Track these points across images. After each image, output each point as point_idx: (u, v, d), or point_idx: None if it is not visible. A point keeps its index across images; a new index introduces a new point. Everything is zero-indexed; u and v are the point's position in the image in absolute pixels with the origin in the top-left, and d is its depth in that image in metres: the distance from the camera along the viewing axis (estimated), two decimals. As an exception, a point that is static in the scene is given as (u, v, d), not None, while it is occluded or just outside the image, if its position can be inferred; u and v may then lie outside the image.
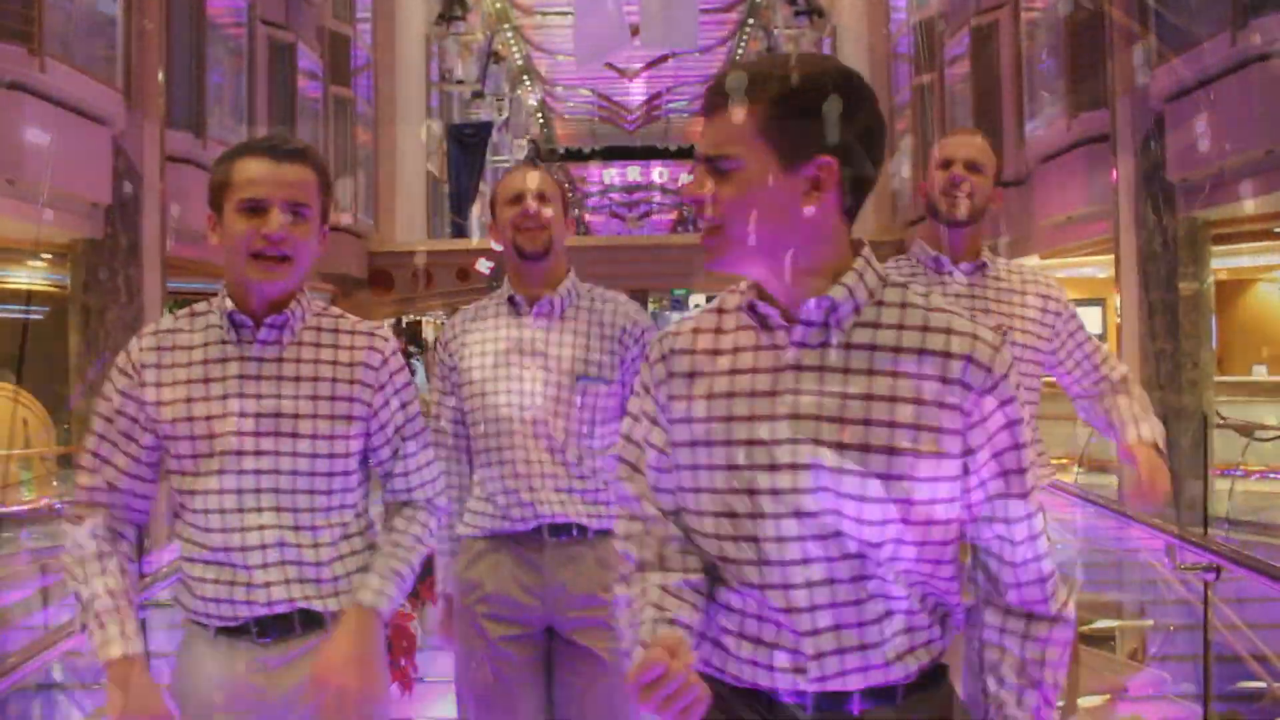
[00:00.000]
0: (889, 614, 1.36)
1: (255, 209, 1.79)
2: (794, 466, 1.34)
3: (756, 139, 1.34)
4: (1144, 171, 9.77)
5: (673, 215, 37.50)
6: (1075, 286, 17.30)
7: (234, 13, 12.29)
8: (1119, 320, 10.24)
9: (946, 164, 2.52)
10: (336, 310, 1.94)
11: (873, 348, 1.35)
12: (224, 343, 1.85)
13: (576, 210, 35.52)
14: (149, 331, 1.89)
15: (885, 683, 1.37)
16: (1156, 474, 2.45)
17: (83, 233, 9.41)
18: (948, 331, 1.35)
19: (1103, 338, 17.17)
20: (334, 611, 1.84)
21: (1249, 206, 8.71)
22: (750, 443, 1.36)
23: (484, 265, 17.71)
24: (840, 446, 1.32)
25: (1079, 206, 11.06)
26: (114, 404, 1.86)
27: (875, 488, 1.32)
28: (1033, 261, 14.54)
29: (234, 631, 1.83)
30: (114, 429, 1.86)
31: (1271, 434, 9.35)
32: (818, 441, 1.33)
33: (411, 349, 19.26)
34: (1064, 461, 12.88)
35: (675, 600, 1.39)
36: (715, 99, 1.37)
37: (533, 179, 2.49)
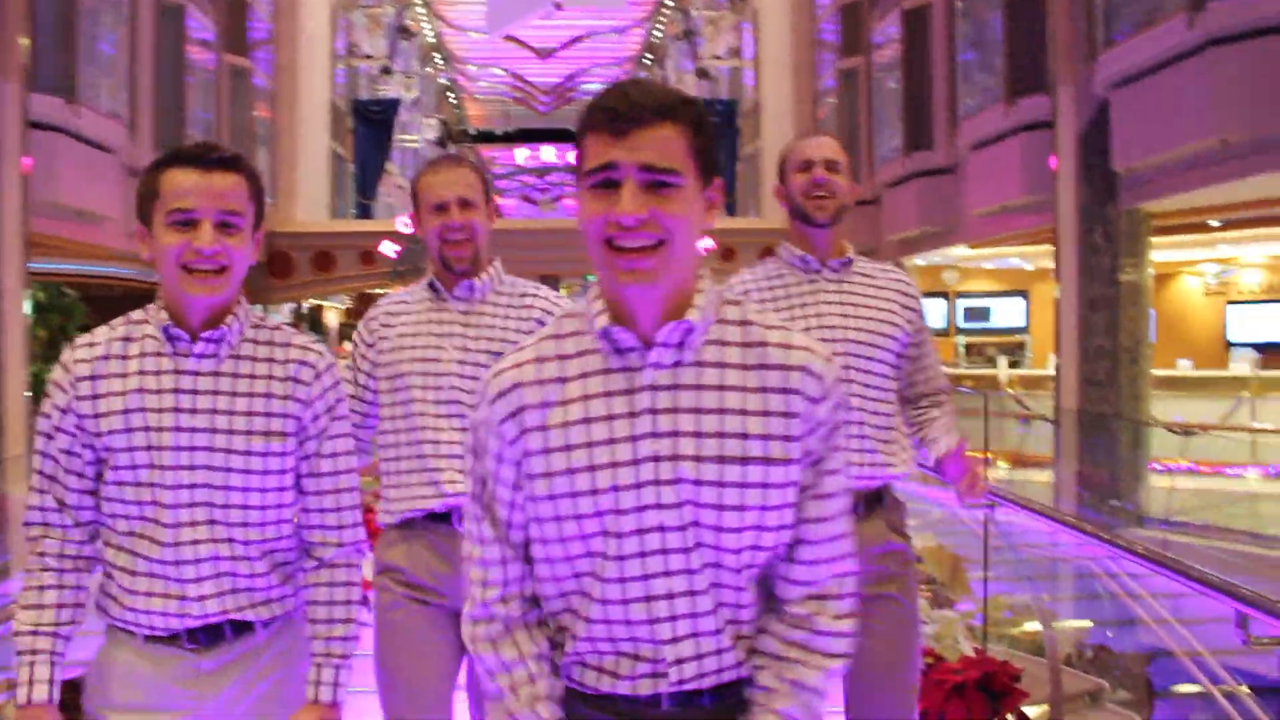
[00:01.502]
0: (739, 619, 1.44)
1: (186, 222, 1.76)
2: (657, 483, 1.39)
3: (689, 158, 1.40)
4: (1086, 160, 9.37)
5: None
6: (1000, 278, 17.07)
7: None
8: (1056, 314, 9.87)
9: (807, 166, 2.56)
10: (273, 322, 1.93)
11: (721, 364, 1.42)
12: (159, 354, 1.83)
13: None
14: (83, 343, 1.86)
15: (735, 678, 1.45)
16: (976, 474, 2.57)
17: (-70, 206, 8.35)
18: (785, 346, 1.44)
19: (1026, 330, 17.02)
20: (265, 619, 1.87)
21: (1199, 198, 8.33)
22: (614, 465, 1.40)
23: (388, 248, 16.89)
24: (699, 460, 1.39)
25: (1014, 196, 10.65)
26: (53, 420, 1.84)
27: (735, 496, 1.40)
28: (960, 251, 14.20)
29: (162, 640, 1.82)
30: (55, 446, 1.85)
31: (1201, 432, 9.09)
32: (678, 457, 1.39)
33: (313, 336, 18.29)
34: (989, 456, 12.69)
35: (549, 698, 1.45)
36: (652, 113, 1.37)
37: (456, 183, 2.49)
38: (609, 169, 1.37)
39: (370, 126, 21.45)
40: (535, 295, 2.60)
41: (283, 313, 18.79)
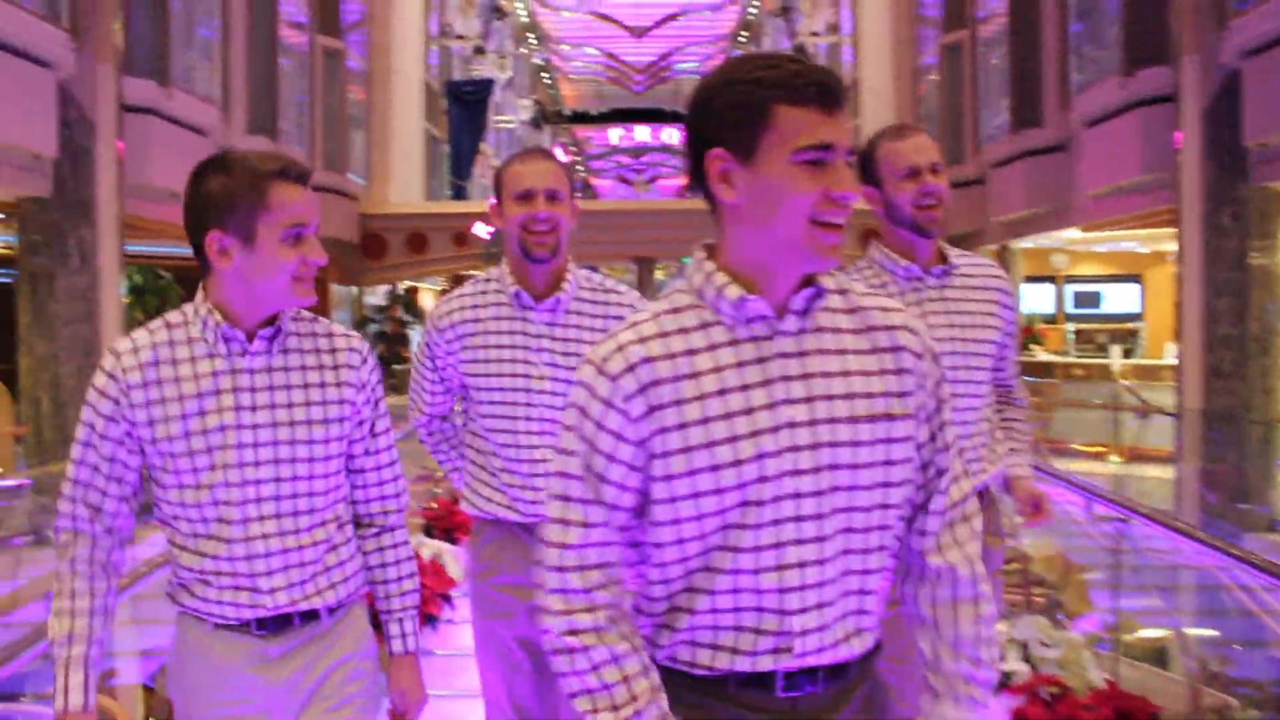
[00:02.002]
0: (864, 589, 1.45)
1: (300, 236, 1.84)
2: (795, 449, 1.40)
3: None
4: (1212, 136, 8.74)
5: (681, 180, 36.50)
6: (1112, 262, 16.29)
7: (205, -51, 11.19)
8: (1178, 300, 9.26)
9: (913, 173, 2.47)
10: (308, 314, 1.97)
11: (836, 330, 1.46)
12: (212, 356, 1.87)
13: (583, 179, 34.69)
14: (127, 350, 1.87)
15: (849, 657, 1.46)
16: (1043, 501, 2.64)
17: (26, 189, 8.39)
18: (883, 309, 1.50)
19: (1140, 317, 16.23)
20: (330, 605, 1.93)
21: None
22: (755, 434, 1.39)
23: (482, 229, 16.78)
24: (834, 422, 1.41)
25: (1131, 175, 10.02)
26: (97, 429, 1.86)
27: (867, 454, 1.42)
28: (1070, 234, 13.54)
29: (233, 627, 1.88)
30: (97, 453, 1.87)
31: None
32: (815, 422, 1.40)
33: (407, 318, 18.36)
34: (1101, 449, 12.07)
35: (648, 683, 1.41)
36: (838, 93, 1.39)
37: (544, 174, 2.48)
38: (825, 148, 1.38)
39: (464, 107, 21.41)
40: (617, 292, 2.60)
41: (378, 294, 18.86)
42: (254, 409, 1.86)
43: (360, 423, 1.98)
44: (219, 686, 1.89)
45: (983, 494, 2.56)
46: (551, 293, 2.52)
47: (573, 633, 1.41)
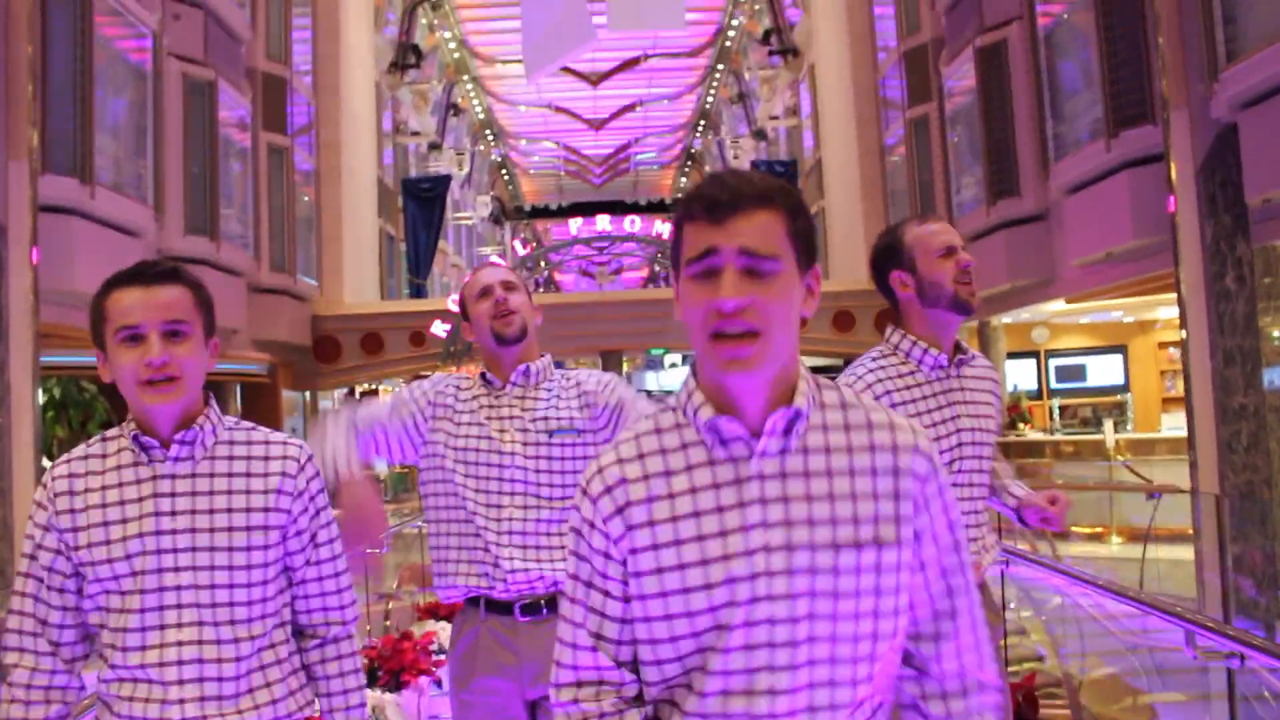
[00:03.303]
0: (872, 706, 1.41)
1: (134, 338, 1.82)
2: (770, 573, 1.37)
3: (787, 244, 1.39)
4: (1209, 194, 8.22)
5: (644, 272, 36.23)
6: (1094, 333, 15.77)
7: (135, 38, 10.57)
8: (1183, 370, 8.64)
9: (950, 251, 2.49)
10: (248, 424, 1.98)
11: (826, 449, 1.41)
12: (136, 464, 1.88)
13: (545, 273, 34.33)
14: (62, 461, 1.92)
15: None
16: (1058, 497, 2.67)
17: (-73, 298, 7.61)
18: (890, 427, 1.44)
19: (1126, 389, 15.69)
20: None
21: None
22: (726, 558, 1.37)
23: (439, 328, 16.14)
24: (814, 548, 1.37)
25: (1122, 241, 9.48)
26: (35, 539, 1.89)
27: (850, 583, 1.37)
28: (1053, 306, 13.01)
29: None
30: (38, 565, 1.88)
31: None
32: (791, 547, 1.37)
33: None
34: (1099, 531, 11.38)
35: None
36: (751, 196, 1.38)
37: (497, 272, 2.74)
38: (710, 255, 1.37)
39: (421, 204, 20.96)
40: (582, 377, 2.74)
41: (333, 399, 18.06)
42: (174, 514, 1.84)
43: (299, 533, 1.94)
44: None
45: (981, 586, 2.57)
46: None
47: None
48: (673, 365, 28.40)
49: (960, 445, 2.46)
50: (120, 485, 1.86)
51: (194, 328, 1.87)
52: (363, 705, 2.01)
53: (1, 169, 8.09)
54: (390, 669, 5.45)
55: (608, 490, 1.43)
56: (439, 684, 5.69)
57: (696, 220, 1.38)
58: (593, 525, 1.43)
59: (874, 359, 2.55)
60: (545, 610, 2.54)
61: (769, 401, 1.40)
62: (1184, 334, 8.44)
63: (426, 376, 2.84)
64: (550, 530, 2.55)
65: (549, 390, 2.68)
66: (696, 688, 1.38)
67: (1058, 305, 12.60)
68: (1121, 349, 15.57)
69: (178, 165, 11.40)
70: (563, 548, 2.50)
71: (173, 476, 1.86)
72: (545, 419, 2.62)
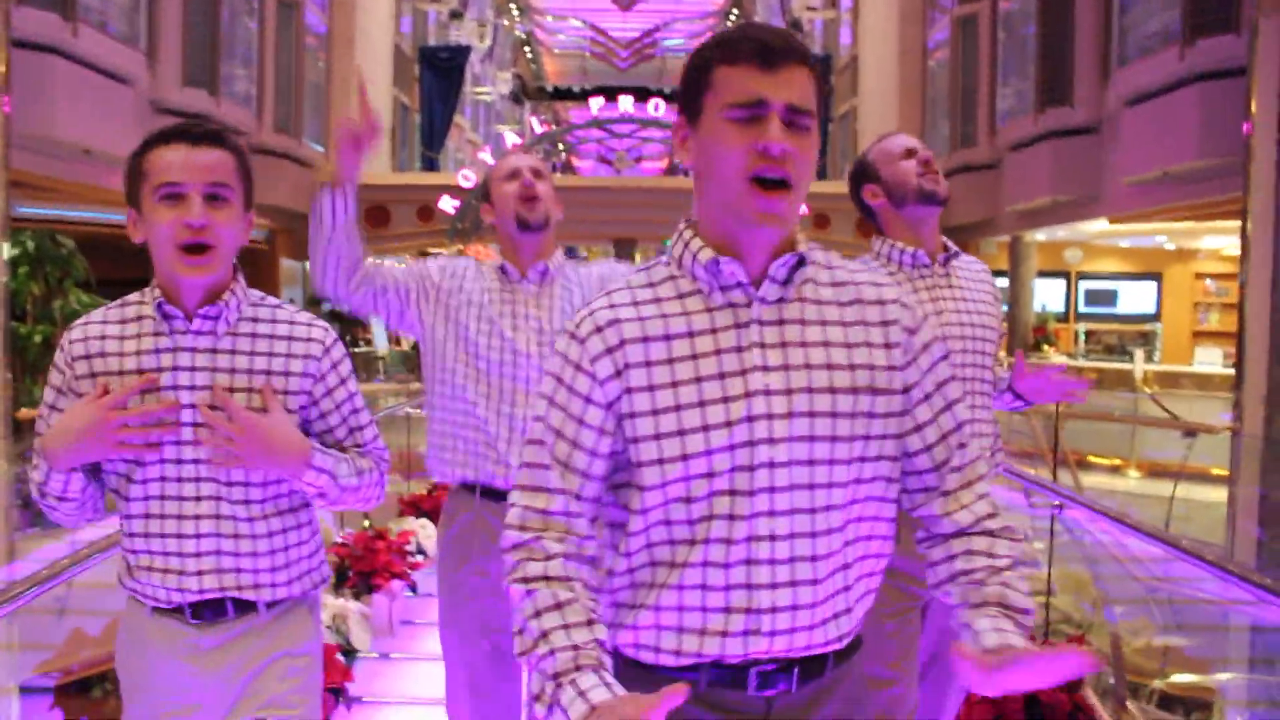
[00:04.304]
0: (850, 570, 1.41)
1: (174, 196, 1.78)
2: (770, 417, 1.36)
3: (816, 101, 1.40)
4: (1291, 115, 7.49)
5: (664, 163, 35.35)
6: (1130, 258, 15.09)
7: None
8: (1238, 306, 8.04)
9: (909, 152, 2.57)
10: (274, 300, 1.93)
11: (819, 301, 1.43)
12: (157, 334, 1.85)
13: (563, 158, 33.54)
14: (80, 324, 1.90)
15: (823, 651, 1.40)
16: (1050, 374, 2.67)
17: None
18: (874, 284, 1.46)
19: (1157, 319, 15.08)
20: (267, 601, 1.89)
21: None
22: (725, 400, 1.36)
23: (448, 203, 15.48)
24: (812, 392, 1.37)
25: (1184, 160, 8.78)
26: (48, 400, 1.89)
27: (846, 427, 1.37)
28: (1093, 227, 12.33)
29: (168, 612, 1.86)
30: (49, 424, 1.88)
31: None
32: (790, 390, 1.37)
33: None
34: (1118, 464, 10.93)
35: (591, 634, 1.34)
36: (799, 51, 1.38)
37: (528, 158, 2.70)
38: (759, 104, 1.36)
39: (438, 75, 20.13)
40: (604, 271, 2.74)
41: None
42: (193, 389, 1.81)
43: (324, 414, 1.91)
44: (155, 672, 1.86)
45: None
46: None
47: (523, 580, 1.37)
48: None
49: (947, 339, 2.48)
50: (139, 354, 1.83)
51: (235, 195, 1.82)
52: (349, 478, 1.90)
53: (-28, -3, 7.39)
54: (361, 570, 5.02)
55: (598, 330, 1.41)
56: (413, 588, 5.32)
57: (741, 65, 1.36)
58: (578, 367, 1.41)
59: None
60: None
61: (772, 253, 1.41)
62: (1244, 267, 7.80)
63: (431, 255, 2.73)
64: None
65: (564, 288, 2.67)
66: (693, 537, 1.37)
67: (1097, 225, 11.92)
68: (1156, 277, 14.91)
69: (176, 10, 10.64)
70: None
71: (193, 350, 1.82)
72: (563, 316, 2.64)
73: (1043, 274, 14.41)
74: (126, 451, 1.78)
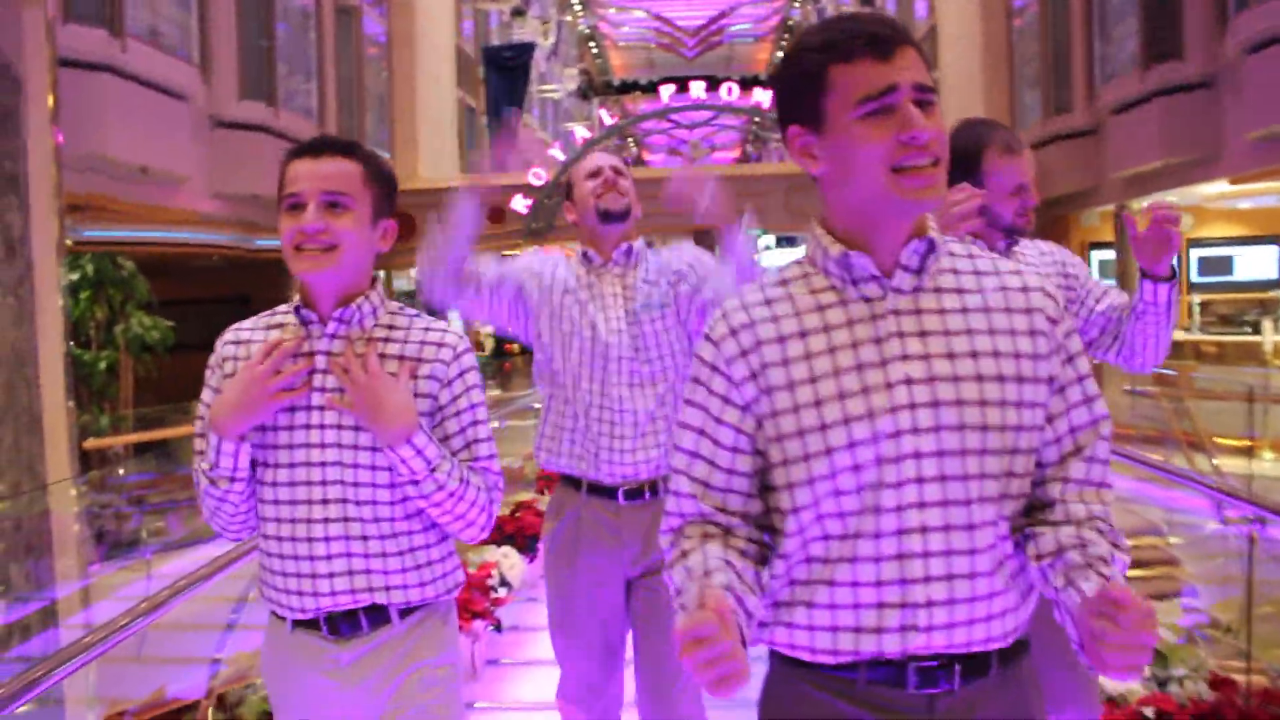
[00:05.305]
0: (1008, 564, 1.38)
1: (295, 205, 1.86)
2: (913, 406, 1.34)
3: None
4: None
5: (736, 152, 34.64)
6: (1246, 221, 14.05)
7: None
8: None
9: (1020, 190, 2.37)
10: (412, 310, 1.99)
11: (959, 289, 1.40)
12: (301, 340, 1.92)
13: (635, 153, 33.15)
14: (230, 329, 1.99)
15: (984, 648, 1.37)
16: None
17: (-68, 162, 6.73)
18: (1018, 272, 1.44)
19: (1278, 284, 14.04)
20: (399, 606, 1.90)
21: None
22: (865, 391, 1.35)
23: (520, 204, 15.06)
24: (957, 380, 1.35)
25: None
26: (205, 401, 1.94)
27: (996, 416, 1.35)
28: (1210, 189, 11.43)
29: (306, 625, 1.91)
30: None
31: None
32: (934, 379, 1.35)
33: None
34: (1248, 444, 10.08)
35: (739, 577, 1.37)
36: (901, 34, 1.37)
37: (610, 156, 2.78)
38: (890, 92, 1.34)
39: (503, 74, 19.79)
40: (687, 254, 2.73)
41: (408, 278, 17.24)
42: (324, 390, 1.86)
43: (444, 420, 1.92)
44: (300, 688, 1.91)
45: None
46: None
47: (682, 554, 1.41)
48: (767, 248, 27.14)
49: None
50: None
51: (357, 203, 1.86)
52: (450, 484, 1.87)
53: (14, 15, 7.10)
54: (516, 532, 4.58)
55: (732, 333, 1.43)
56: (498, 626, 4.85)
57: (858, 60, 1.34)
58: (714, 369, 1.43)
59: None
60: (648, 495, 2.61)
61: (905, 237, 1.39)
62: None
63: (512, 255, 2.81)
64: (655, 415, 2.61)
65: (648, 270, 2.70)
66: (844, 532, 1.35)
67: (1215, 187, 11.02)
68: (1276, 240, 13.86)
69: (229, 22, 10.35)
70: (668, 430, 2.60)
71: (328, 354, 1.88)
72: (649, 296, 2.67)
73: (1150, 242, 13.46)
74: (283, 399, 1.83)
